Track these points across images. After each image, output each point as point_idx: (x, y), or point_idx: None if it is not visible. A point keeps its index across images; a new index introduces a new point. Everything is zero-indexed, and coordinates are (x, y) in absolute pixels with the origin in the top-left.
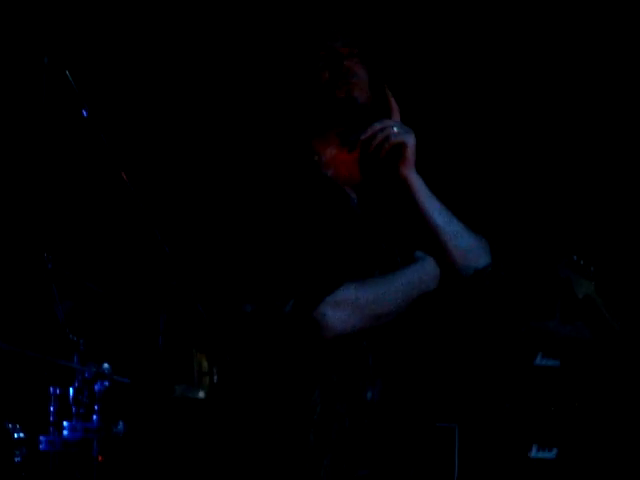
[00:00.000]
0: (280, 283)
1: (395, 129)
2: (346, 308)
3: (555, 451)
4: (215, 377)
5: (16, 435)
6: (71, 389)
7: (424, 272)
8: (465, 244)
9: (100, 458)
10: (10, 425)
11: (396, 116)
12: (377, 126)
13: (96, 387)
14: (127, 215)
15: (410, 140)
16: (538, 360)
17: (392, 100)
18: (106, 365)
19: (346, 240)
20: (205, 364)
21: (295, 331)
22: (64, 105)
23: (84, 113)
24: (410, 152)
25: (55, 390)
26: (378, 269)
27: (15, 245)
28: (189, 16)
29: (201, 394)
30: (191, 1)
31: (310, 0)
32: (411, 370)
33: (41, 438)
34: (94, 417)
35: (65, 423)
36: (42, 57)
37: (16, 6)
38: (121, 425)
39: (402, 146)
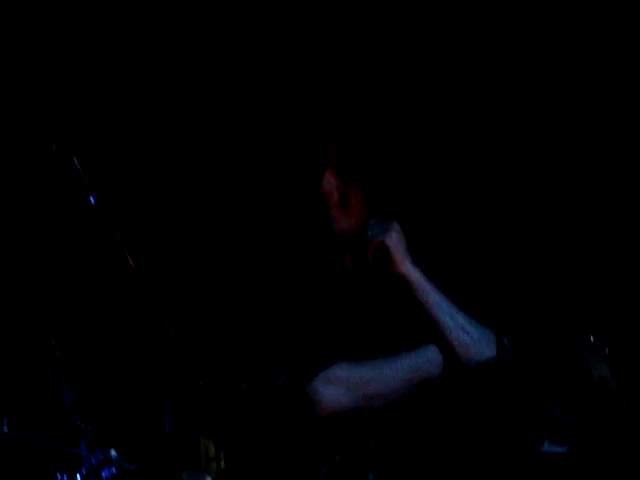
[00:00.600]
0: (274, 359)
1: (370, 232)
2: (339, 385)
3: None
4: (222, 462)
5: None
6: (78, 476)
7: (426, 359)
8: (468, 338)
9: None
10: None
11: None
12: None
13: (103, 474)
14: (134, 301)
15: (390, 239)
16: (545, 446)
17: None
18: (113, 452)
19: (345, 320)
20: (212, 449)
21: (287, 406)
22: (71, 191)
23: (92, 200)
24: (395, 250)
25: (62, 477)
26: (378, 352)
27: (22, 332)
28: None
29: (209, 479)
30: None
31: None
32: (412, 454)
33: None
34: None
35: None
36: (50, 144)
37: (24, 88)
38: None
39: (386, 247)
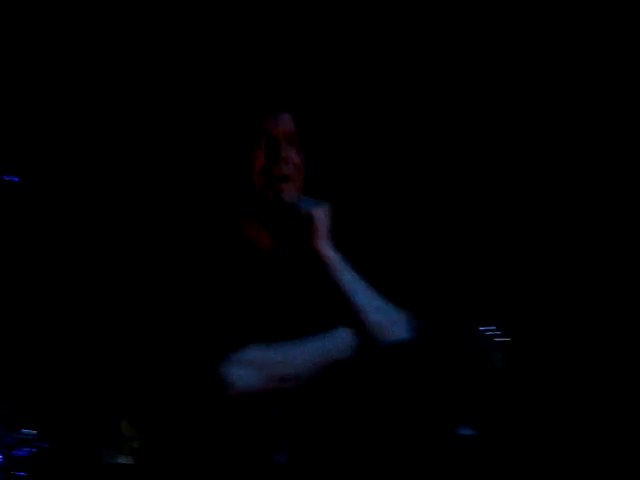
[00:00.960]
0: (185, 341)
1: (300, 204)
2: (249, 367)
3: None
4: (138, 442)
5: None
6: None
7: (337, 340)
8: (383, 318)
9: None
10: None
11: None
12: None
13: (19, 453)
14: (50, 281)
15: (317, 212)
16: (460, 429)
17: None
18: (30, 431)
19: (259, 303)
20: (129, 430)
21: (199, 387)
22: None
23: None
24: (318, 224)
25: None
26: (291, 334)
27: None
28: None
29: (126, 459)
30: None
31: (253, 80)
32: (321, 436)
33: None
34: None
35: None
36: None
37: None
38: None
39: (311, 219)
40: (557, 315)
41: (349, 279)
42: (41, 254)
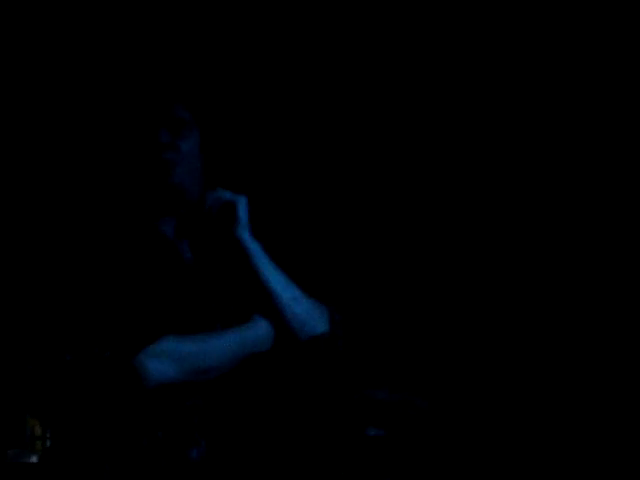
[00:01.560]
0: (101, 332)
1: (218, 193)
2: (165, 359)
3: None
4: (48, 441)
5: None
6: None
7: (255, 333)
8: (301, 310)
9: None
10: None
11: None
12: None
13: None
14: None
15: (240, 200)
16: (369, 430)
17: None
18: None
19: (174, 294)
20: (38, 428)
21: (114, 378)
22: None
23: None
24: (240, 212)
25: None
26: (207, 325)
27: None
28: None
29: (34, 458)
30: None
31: (153, 63)
32: (237, 432)
33: None
34: None
35: None
36: None
37: None
38: None
39: (232, 207)
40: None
41: (268, 269)
42: None
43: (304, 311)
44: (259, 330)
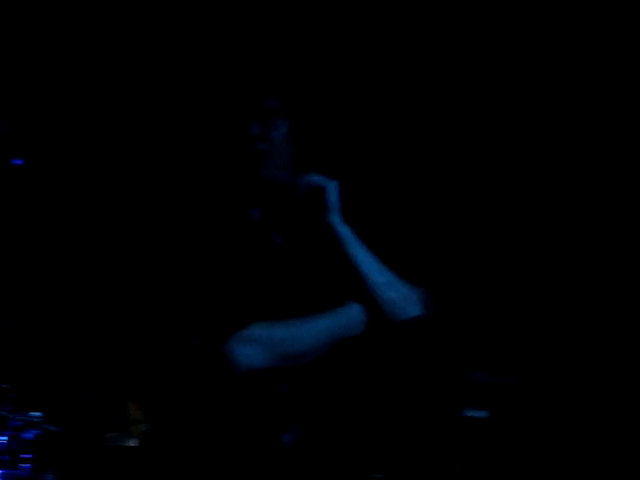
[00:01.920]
0: (191, 318)
1: (310, 178)
2: (254, 345)
3: None
4: (146, 425)
5: None
6: (2, 437)
7: (347, 317)
8: (395, 295)
9: None
10: None
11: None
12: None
13: (27, 435)
14: (55, 263)
15: (330, 185)
16: (467, 411)
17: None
18: (37, 413)
19: (265, 280)
20: (137, 412)
21: (203, 365)
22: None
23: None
24: (331, 197)
25: None
26: (298, 311)
27: None
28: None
29: (133, 442)
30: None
31: (245, 56)
32: (331, 416)
33: None
34: (25, 466)
35: None
36: None
37: None
38: (51, 475)
39: (322, 192)
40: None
41: (361, 254)
42: (47, 244)
43: (398, 295)
44: (351, 314)
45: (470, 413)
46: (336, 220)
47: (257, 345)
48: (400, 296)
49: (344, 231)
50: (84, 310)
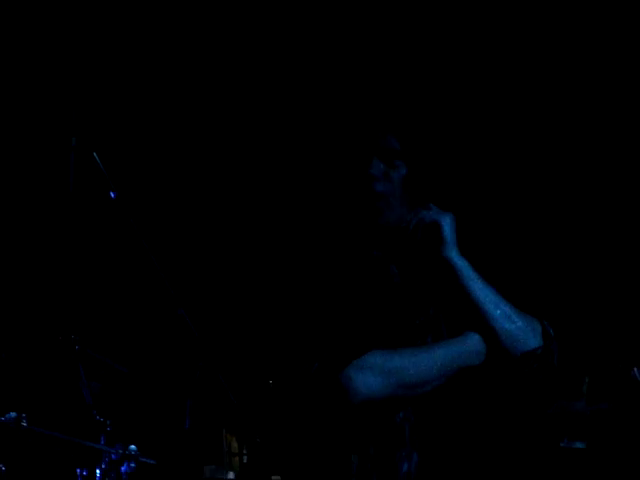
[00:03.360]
0: (309, 347)
1: (425, 213)
2: (372, 373)
3: None
4: (245, 457)
5: None
6: (98, 470)
7: (466, 347)
8: (513, 327)
9: None
10: None
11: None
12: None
13: (123, 469)
14: (154, 296)
15: (445, 220)
16: (565, 442)
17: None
18: (133, 446)
19: (382, 307)
20: (235, 445)
21: (321, 393)
22: (92, 187)
23: (112, 195)
24: (446, 232)
25: (82, 471)
26: (416, 340)
27: (43, 326)
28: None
29: (231, 475)
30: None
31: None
32: (448, 444)
33: None
34: None
35: None
36: (70, 138)
37: (44, 87)
38: None
39: (437, 227)
40: None
41: (479, 286)
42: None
43: (516, 327)
44: (470, 343)
45: (568, 444)
46: (452, 253)
47: (375, 373)
48: (518, 328)
49: (461, 264)
50: (181, 341)
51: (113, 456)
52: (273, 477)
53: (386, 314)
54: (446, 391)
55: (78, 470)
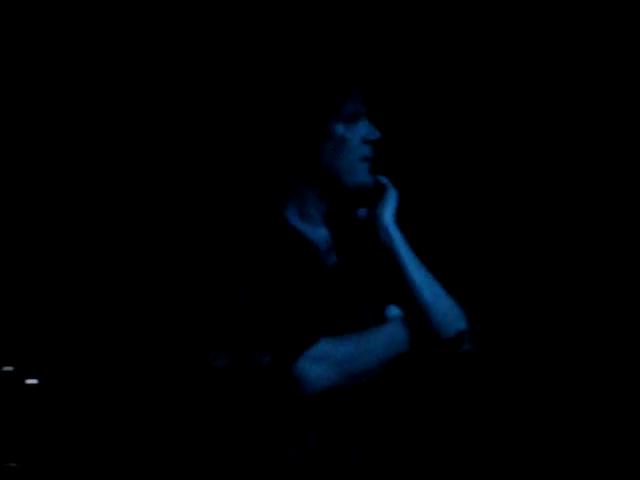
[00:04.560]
0: (256, 337)
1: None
2: (325, 364)
3: None
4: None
5: None
6: None
7: (400, 333)
8: (445, 306)
9: None
10: None
11: None
12: None
13: None
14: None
15: (392, 188)
16: None
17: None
18: None
19: (317, 295)
20: None
21: (273, 386)
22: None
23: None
24: (391, 198)
25: None
26: (350, 325)
27: None
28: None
29: None
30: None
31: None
32: (395, 432)
33: None
34: None
35: None
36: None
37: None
38: None
39: (384, 189)
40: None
41: (413, 263)
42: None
43: (447, 307)
44: (402, 330)
45: None
46: (391, 223)
47: (328, 363)
48: (449, 308)
49: (397, 237)
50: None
51: None
52: None
53: (325, 295)
54: (383, 379)
55: None
